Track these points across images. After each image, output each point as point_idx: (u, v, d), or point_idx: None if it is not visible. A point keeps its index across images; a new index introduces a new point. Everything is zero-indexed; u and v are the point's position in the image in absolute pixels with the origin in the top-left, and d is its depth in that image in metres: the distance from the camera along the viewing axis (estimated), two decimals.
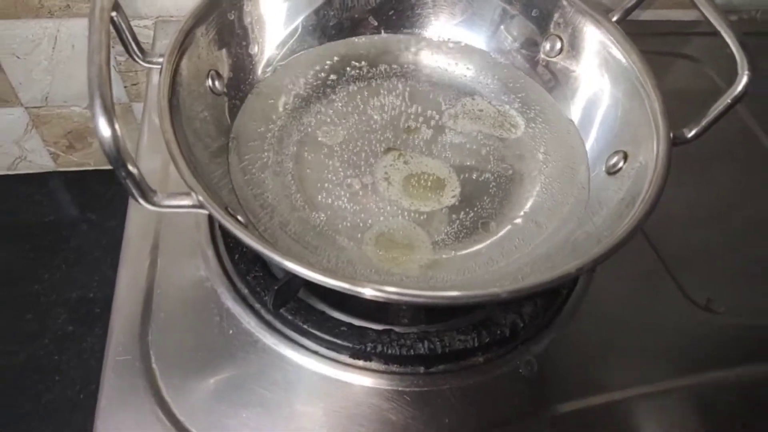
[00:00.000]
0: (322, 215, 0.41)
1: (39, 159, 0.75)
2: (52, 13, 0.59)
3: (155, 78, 0.54)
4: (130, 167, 0.29)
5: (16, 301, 0.65)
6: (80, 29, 0.61)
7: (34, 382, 0.60)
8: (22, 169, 0.76)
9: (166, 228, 0.45)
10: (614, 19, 0.43)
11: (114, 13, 0.34)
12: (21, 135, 0.72)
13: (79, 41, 0.62)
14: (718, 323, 0.45)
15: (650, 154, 0.37)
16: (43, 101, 0.68)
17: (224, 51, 0.42)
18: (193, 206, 0.32)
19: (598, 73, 0.44)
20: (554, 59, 0.47)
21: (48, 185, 0.75)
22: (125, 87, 0.67)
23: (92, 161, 0.76)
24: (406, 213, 0.42)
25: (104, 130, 0.28)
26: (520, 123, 0.46)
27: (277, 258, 0.30)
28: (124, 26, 0.35)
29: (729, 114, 0.39)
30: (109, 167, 0.80)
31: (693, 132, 0.38)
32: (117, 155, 0.28)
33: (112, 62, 0.65)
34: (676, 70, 0.61)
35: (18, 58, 0.63)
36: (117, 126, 0.28)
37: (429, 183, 0.43)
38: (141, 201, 0.31)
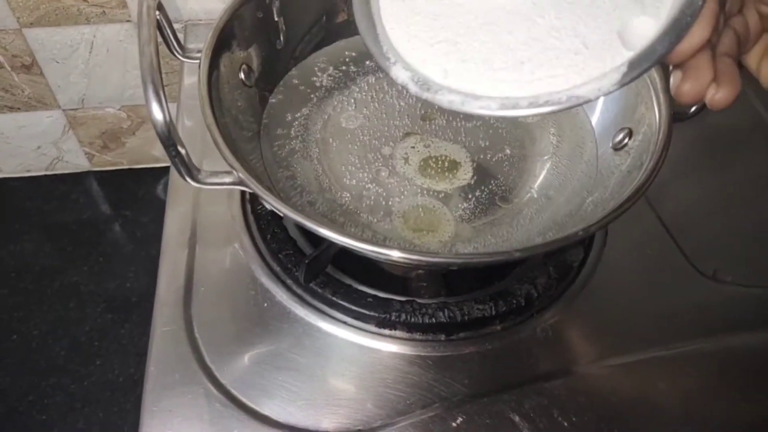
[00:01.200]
0: (347, 195, 0.44)
1: (75, 159, 0.79)
2: (89, 20, 0.63)
3: (187, 79, 0.58)
4: (179, 148, 0.32)
5: (58, 291, 0.69)
6: (114, 34, 0.65)
7: (77, 366, 0.64)
8: (59, 169, 0.80)
9: (202, 220, 0.48)
10: (691, 111, 0.43)
11: (157, 12, 0.37)
12: (59, 136, 0.76)
13: (113, 45, 0.66)
14: (725, 292, 0.47)
15: (653, 129, 0.39)
16: (80, 103, 0.72)
17: (254, 47, 0.45)
18: (233, 183, 0.35)
19: None
20: None
21: (84, 184, 0.79)
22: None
23: (125, 161, 0.80)
24: (425, 192, 0.45)
25: (157, 113, 0.31)
26: None
27: (312, 225, 0.33)
28: (165, 24, 0.39)
29: (741, 101, 0.42)
30: (142, 166, 0.84)
31: (693, 108, 0.41)
32: (168, 136, 0.31)
33: None
34: None
35: (57, 62, 0.67)
36: (168, 110, 0.31)
37: (446, 164, 0.46)
38: (187, 178, 0.34)
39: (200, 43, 0.62)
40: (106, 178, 0.80)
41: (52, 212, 0.77)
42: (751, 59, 0.28)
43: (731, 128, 0.58)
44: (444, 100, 0.26)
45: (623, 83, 0.24)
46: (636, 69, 0.24)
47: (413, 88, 0.27)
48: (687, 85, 0.25)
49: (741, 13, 0.27)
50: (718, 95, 0.25)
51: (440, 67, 0.27)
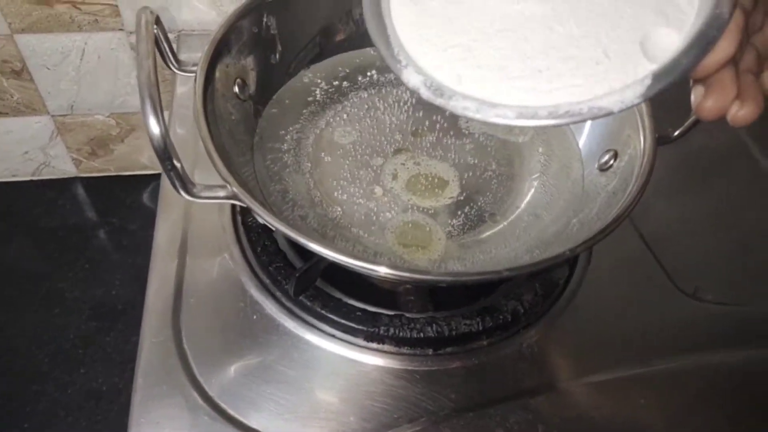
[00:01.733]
0: (339, 209, 0.45)
1: (62, 165, 0.79)
2: (81, 28, 0.63)
3: (180, 89, 0.58)
4: (175, 161, 0.33)
5: (43, 297, 0.69)
6: (106, 42, 0.65)
7: (61, 373, 0.63)
8: (46, 175, 0.80)
9: (194, 228, 0.48)
10: (675, 134, 0.43)
11: (155, 27, 0.38)
12: (46, 142, 0.76)
13: (104, 53, 0.66)
14: (705, 310, 0.49)
15: (637, 152, 0.41)
16: (69, 110, 0.72)
17: (249, 61, 0.46)
18: (226, 197, 0.35)
19: None
20: None
21: (70, 190, 0.79)
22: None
23: (113, 167, 0.80)
24: (414, 208, 0.46)
25: (154, 128, 0.31)
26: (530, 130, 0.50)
27: (303, 240, 0.33)
28: (162, 38, 0.39)
29: (722, 124, 0.43)
30: (129, 173, 0.84)
31: (677, 132, 0.42)
32: (164, 150, 0.32)
33: (135, 73, 0.69)
34: None
35: (48, 69, 0.67)
36: (164, 124, 0.32)
37: (434, 181, 0.47)
38: (182, 192, 0.34)
39: (193, 53, 0.64)
40: (92, 184, 0.80)
41: (38, 218, 0.76)
42: (765, 79, 0.27)
43: (712, 150, 0.59)
44: (458, 106, 0.26)
45: (647, 96, 0.24)
46: (661, 82, 0.23)
47: (425, 93, 0.26)
48: (710, 101, 0.24)
49: (762, 30, 0.26)
50: (741, 112, 0.24)
51: (454, 73, 0.26)
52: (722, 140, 0.61)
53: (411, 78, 0.27)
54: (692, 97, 0.25)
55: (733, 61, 0.24)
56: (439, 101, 0.26)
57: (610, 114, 0.24)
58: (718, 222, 0.54)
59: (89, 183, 0.79)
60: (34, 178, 0.80)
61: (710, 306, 0.49)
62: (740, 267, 0.52)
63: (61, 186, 0.79)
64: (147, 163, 0.80)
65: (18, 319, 0.68)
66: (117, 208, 0.78)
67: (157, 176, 0.80)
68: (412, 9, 0.28)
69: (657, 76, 0.24)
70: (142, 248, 0.74)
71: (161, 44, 0.40)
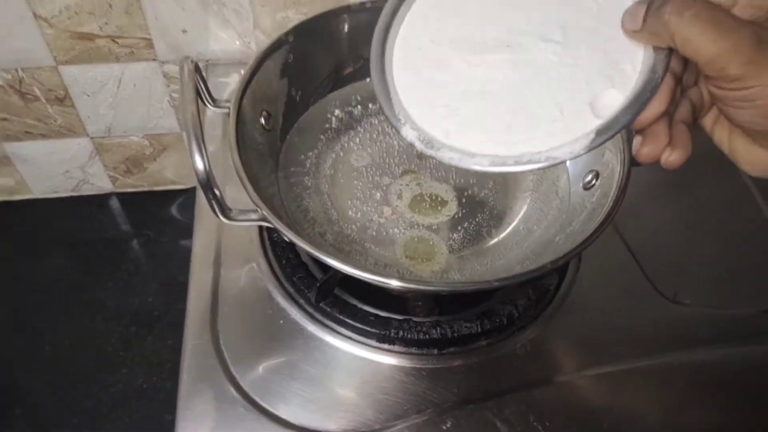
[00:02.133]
0: (353, 226, 0.51)
1: (99, 182, 0.86)
2: (119, 59, 0.70)
3: (209, 111, 0.65)
4: (216, 190, 0.39)
5: (86, 306, 0.75)
6: (141, 71, 0.71)
7: (105, 375, 0.70)
8: (85, 191, 0.87)
9: (225, 242, 0.54)
10: None
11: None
12: (86, 161, 0.82)
13: (139, 81, 0.73)
14: (684, 312, 0.53)
15: (615, 172, 0.46)
16: (107, 132, 0.79)
17: (273, 95, 0.52)
18: (258, 220, 0.42)
19: None
20: None
21: (107, 205, 0.86)
22: (178, 119, 0.78)
23: (146, 183, 0.86)
24: (419, 225, 0.52)
25: (198, 163, 0.37)
26: None
27: (323, 257, 0.39)
28: (200, 81, 0.46)
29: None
30: (160, 188, 0.91)
31: None
32: (207, 181, 0.38)
33: (167, 99, 0.75)
34: None
35: (88, 96, 0.74)
36: (207, 159, 0.38)
37: (438, 199, 0.53)
38: (221, 216, 0.40)
39: (219, 78, 0.70)
40: (127, 199, 0.86)
41: (78, 231, 0.83)
42: (706, 122, 0.33)
43: (693, 163, 0.64)
44: (445, 156, 0.32)
45: (591, 148, 0.30)
46: (602, 136, 0.30)
47: (419, 146, 0.32)
48: (646, 149, 0.30)
49: (696, 85, 0.32)
50: (671, 158, 0.30)
51: (442, 129, 0.33)
52: (701, 153, 0.65)
53: (408, 134, 0.33)
54: (633, 144, 0.31)
55: (666, 114, 0.30)
56: (429, 152, 0.32)
57: (562, 162, 0.31)
58: (696, 231, 0.60)
59: (124, 198, 0.86)
60: (74, 194, 0.87)
61: (689, 309, 0.54)
62: (716, 272, 0.57)
63: (99, 201, 0.85)
64: (174, 179, 0.87)
65: (63, 326, 0.74)
66: (150, 221, 0.84)
67: (184, 191, 0.87)
68: (410, 76, 0.34)
69: (600, 132, 0.30)
70: (173, 258, 0.81)
71: (199, 87, 0.46)
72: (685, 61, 0.30)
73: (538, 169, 0.31)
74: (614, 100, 0.30)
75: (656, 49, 0.29)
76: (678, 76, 0.30)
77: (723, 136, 0.33)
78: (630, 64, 0.30)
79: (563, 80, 0.31)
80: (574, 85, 0.31)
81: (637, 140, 0.31)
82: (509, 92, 0.32)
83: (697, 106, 0.32)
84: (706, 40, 0.26)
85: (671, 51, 0.29)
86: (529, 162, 0.31)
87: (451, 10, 0.35)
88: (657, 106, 0.29)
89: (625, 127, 0.29)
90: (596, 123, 0.30)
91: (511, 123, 0.32)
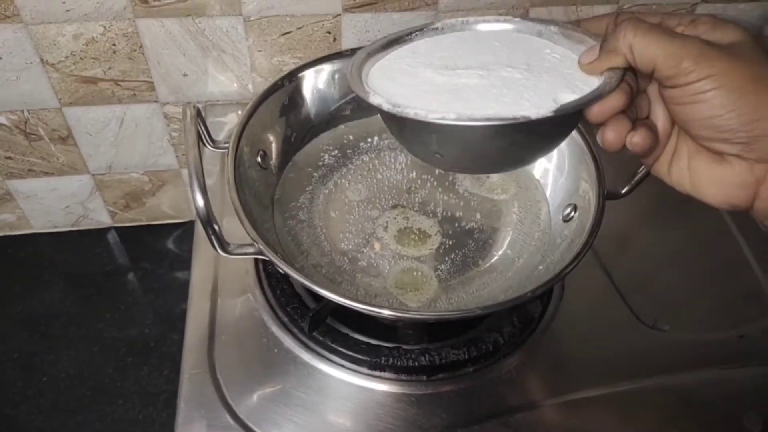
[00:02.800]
0: (345, 259, 0.53)
1: (99, 217, 0.88)
2: (121, 100, 0.73)
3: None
4: (215, 226, 0.41)
5: (84, 337, 0.77)
6: (143, 112, 0.75)
7: (101, 405, 0.71)
8: (84, 226, 0.89)
9: (222, 274, 0.57)
10: (623, 191, 0.51)
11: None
12: (86, 197, 0.85)
13: (141, 122, 0.76)
14: (663, 339, 0.56)
15: (591, 206, 0.49)
16: (107, 169, 0.81)
17: (269, 135, 0.55)
18: (254, 253, 0.44)
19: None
20: None
21: (106, 239, 0.88)
22: (176, 156, 0.81)
23: (144, 218, 0.89)
24: (407, 257, 0.54)
25: (199, 201, 0.40)
26: (511, 188, 0.59)
27: (317, 288, 0.42)
28: (201, 124, 0.49)
29: None
30: (158, 222, 0.93)
31: (625, 189, 0.51)
32: (207, 218, 0.41)
33: (167, 137, 0.78)
34: None
35: (90, 135, 0.77)
36: (207, 198, 0.41)
37: (422, 233, 0.56)
38: (219, 251, 0.43)
39: (217, 117, 0.73)
40: (126, 233, 0.88)
41: (77, 264, 0.85)
42: (662, 166, 0.36)
43: (671, 196, 0.67)
44: (411, 112, 0.32)
45: (558, 112, 0.31)
46: (567, 107, 0.32)
47: (386, 107, 0.34)
48: (610, 134, 0.33)
49: (646, 90, 0.35)
50: (635, 138, 0.33)
51: (412, 108, 0.33)
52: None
53: (375, 99, 0.35)
54: (598, 136, 0.34)
55: (626, 112, 0.33)
56: (395, 110, 0.33)
57: (527, 120, 0.31)
58: (674, 262, 0.62)
59: (123, 232, 0.88)
60: (73, 228, 0.89)
61: (668, 335, 0.56)
62: (694, 300, 0.60)
63: (98, 235, 0.88)
64: (171, 213, 0.89)
65: (61, 357, 0.75)
66: (147, 254, 0.86)
67: (181, 224, 0.90)
68: (385, 81, 0.38)
69: (563, 106, 0.32)
70: (169, 290, 0.83)
71: (200, 130, 0.49)
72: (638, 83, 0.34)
73: (507, 122, 0.31)
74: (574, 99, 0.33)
75: (610, 72, 0.33)
76: (633, 87, 0.34)
77: (683, 168, 0.35)
78: (587, 86, 0.34)
79: (528, 87, 0.35)
80: (539, 89, 0.35)
81: (601, 131, 0.34)
82: (479, 92, 0.35)
83: (654, 130, 0.35)
84: (662, 43, 0.31)
85: (625, 71, 0.33)
86: (497, 118, 0.31)
87: (426, 53, 0.39)
88: (618, 98, 0.32)
89: (586, 105, 0.32)
90: (561, 100, 0.33)
91: (477, 106, 0.34)
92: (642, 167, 0.50)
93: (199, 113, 0.47)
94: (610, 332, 0.56)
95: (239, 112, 0.72)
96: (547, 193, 0.56)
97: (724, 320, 0.59)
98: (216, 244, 0.42)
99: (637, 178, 0.50)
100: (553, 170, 0.56)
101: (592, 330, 0.56)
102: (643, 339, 0.56)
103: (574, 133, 0.53)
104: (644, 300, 0.58)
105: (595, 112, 0.33)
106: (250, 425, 0.47)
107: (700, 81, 0.30)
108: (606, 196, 0.49)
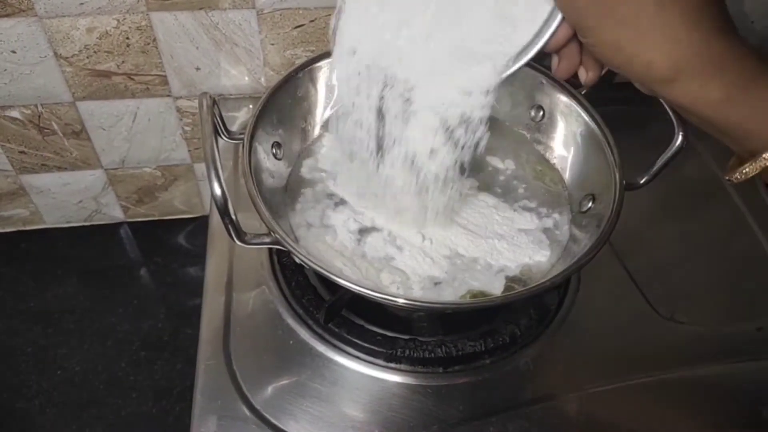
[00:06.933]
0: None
1: (112, 212, 0.88)
2: (134, 95, 0.73)
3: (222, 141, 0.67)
4: (232, 215, 0.41)
5: (97, 331, 0.77)
6: (156, 106, 0.75)
7: (115, 398, 0.71)
8: (97, 221, 0.89)
9: (237, 266, 0.57)
10: (642, 181, 0.50)
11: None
12: (99, 192, 0.85)
13: (154, 116, 0.76)
14: (681, 331, 0.55)
15: (610, 197, 0.48)
16: (120, 164, 0.82)
17: (282, 128, 0.55)
18: (271, 243, 0.44)
19: (573, 136, 0.56)
20: (540, 123, 0.59)
21: (119, 234, 0.88)
22: (189, 150, 0.81)
23: (157, 213, 0.89)
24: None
25: (216, 190, 0.40)
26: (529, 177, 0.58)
27: (333, 277, 0.41)
28: (217, 116, 0.48)
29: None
30: (170, 217, 0.94)
31: (644, 179, 0.50)
32: (224, 207, 0.40)
33: (179, 132, 0.78)
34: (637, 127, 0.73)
35: (103, 129, 0.77)
36: (224, 187, 0.40)
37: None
38: (237, 240, 0.43)
39: (230, 111, 0.73)
40: (138, 228, 0.89)
41: (91, 259, 0.85)
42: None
43: (689, 188, 0.67)
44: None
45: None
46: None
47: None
48: (563, 64, 0.37)
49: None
50: (590, 75, 0.37)
51: None
52: (699, 180, 0.68)
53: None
54: (551, 65, 0.38)
55: (576, 41, 0.36)
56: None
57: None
58: (692, 254, 0.62)
59: (135, 227, 0.88)
60: (86, 223, 0.89)
61: (685, 327, 0.56)
62: (712, 292, 0.59)
63: (111, 230, 0.88)
64: (183, 208, 0.90)
65: (75, 351, 0.76)
66: (159, 249, 0.87)
67: (193, 219, 0.90)
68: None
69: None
70: (181, 284, 0.83)
71: (216, 121, 0.48)
72: None
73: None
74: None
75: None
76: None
77: None
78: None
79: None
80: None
81: (554, 60, 0.38)
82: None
83: None
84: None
85: None
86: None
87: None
88: (566, 28, 0.35)
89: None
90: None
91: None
92: (661, 157, 0.49)
93: (215, 103, 0.46)
94: (628, 324, 0.56)
95: (251, 106, 0.72)
96: (566, 181, 0.56)
97: (742, 312, 0.58)
98: (233, 234, 0.42)
99: (656, 168, 0.49)
100: (571, 159, 0.56)
101: (609, 322, 0.56)
102: (661, 331, 0.55)
103: (592, 124, 0.53)
104: (662, 292, 0.57)
105: (550, 46, 0.37)
106: (266, 415, 0.47)
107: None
108: (625, 186, 0.48)
